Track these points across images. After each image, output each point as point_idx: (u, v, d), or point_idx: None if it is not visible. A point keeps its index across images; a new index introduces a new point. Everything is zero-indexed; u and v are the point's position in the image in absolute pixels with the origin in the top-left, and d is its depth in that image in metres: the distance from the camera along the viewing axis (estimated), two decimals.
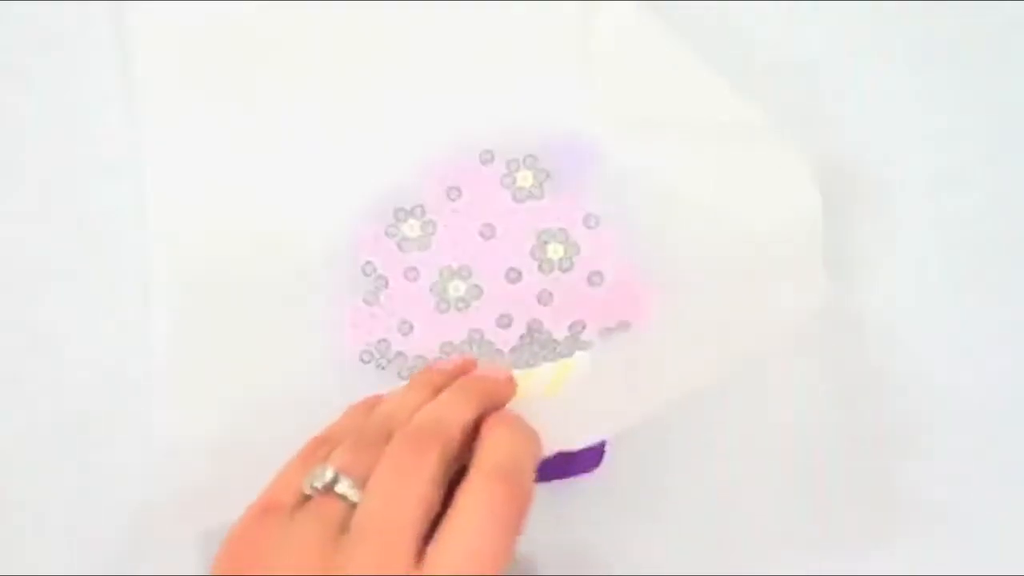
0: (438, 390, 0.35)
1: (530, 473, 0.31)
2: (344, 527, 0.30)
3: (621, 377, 0.38)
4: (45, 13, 0.44)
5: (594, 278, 0.40)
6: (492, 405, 0.34)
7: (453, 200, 0.42)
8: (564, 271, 0.41)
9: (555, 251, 0.41)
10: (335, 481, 0.31)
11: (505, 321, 0.40)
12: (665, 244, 0.40)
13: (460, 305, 0.40)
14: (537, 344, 0.40)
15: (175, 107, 0.42)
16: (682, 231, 0.40)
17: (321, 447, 0.34)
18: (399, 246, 0.41)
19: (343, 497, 0.31)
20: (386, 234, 0.41)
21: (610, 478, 0.39)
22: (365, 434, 0.33)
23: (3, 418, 0.41)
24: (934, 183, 0.42)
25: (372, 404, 0.36)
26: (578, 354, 0.39)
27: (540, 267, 0.41)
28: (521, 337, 0.40)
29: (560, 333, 0.40)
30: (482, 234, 0.41)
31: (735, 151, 0.40)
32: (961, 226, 0.42)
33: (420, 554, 0.29)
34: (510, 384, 0.37)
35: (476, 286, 0.41)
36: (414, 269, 0.41)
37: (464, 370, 0.37)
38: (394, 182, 0.42)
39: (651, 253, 0.40)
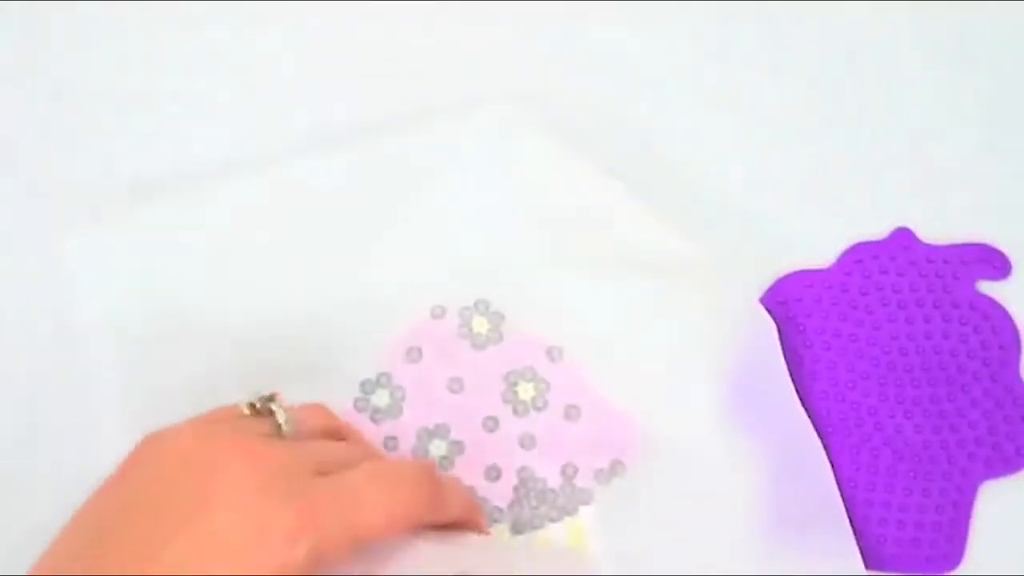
0: None
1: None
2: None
3: (627, 531, 0.39)
4: None
5: (571, 412, 0.41)
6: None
7: (415, 361, 0.42)
8: (539, 410, 0.41)
9: (525, 391, 0.41)
10: (271, 400, 0.35)
11: (494, 473, 0.40)
12: (631, 369, 0.41)
13: (445, 464, 0.40)
14: (534, 496, 0.40)
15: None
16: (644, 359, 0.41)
17: None
18: (372, 419, 0.41)
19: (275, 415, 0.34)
20: (356, 408, 0.41)
21: None
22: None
23: None
24: None
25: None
26: (583, 511, 0.39)
27: (515, 410, 0.41)
28: (515, 489, 0.40)
29: (554, 480, 0.40)
30: (451, 389, 0.41)
31: (680, 289, 0.41)
32: None
33: None
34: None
35: (456, 442, 0.41)
36: (392, 438, 0.41)
37: None
38: (353, 355, 0.42)
39: (619, 377, 0.41)
